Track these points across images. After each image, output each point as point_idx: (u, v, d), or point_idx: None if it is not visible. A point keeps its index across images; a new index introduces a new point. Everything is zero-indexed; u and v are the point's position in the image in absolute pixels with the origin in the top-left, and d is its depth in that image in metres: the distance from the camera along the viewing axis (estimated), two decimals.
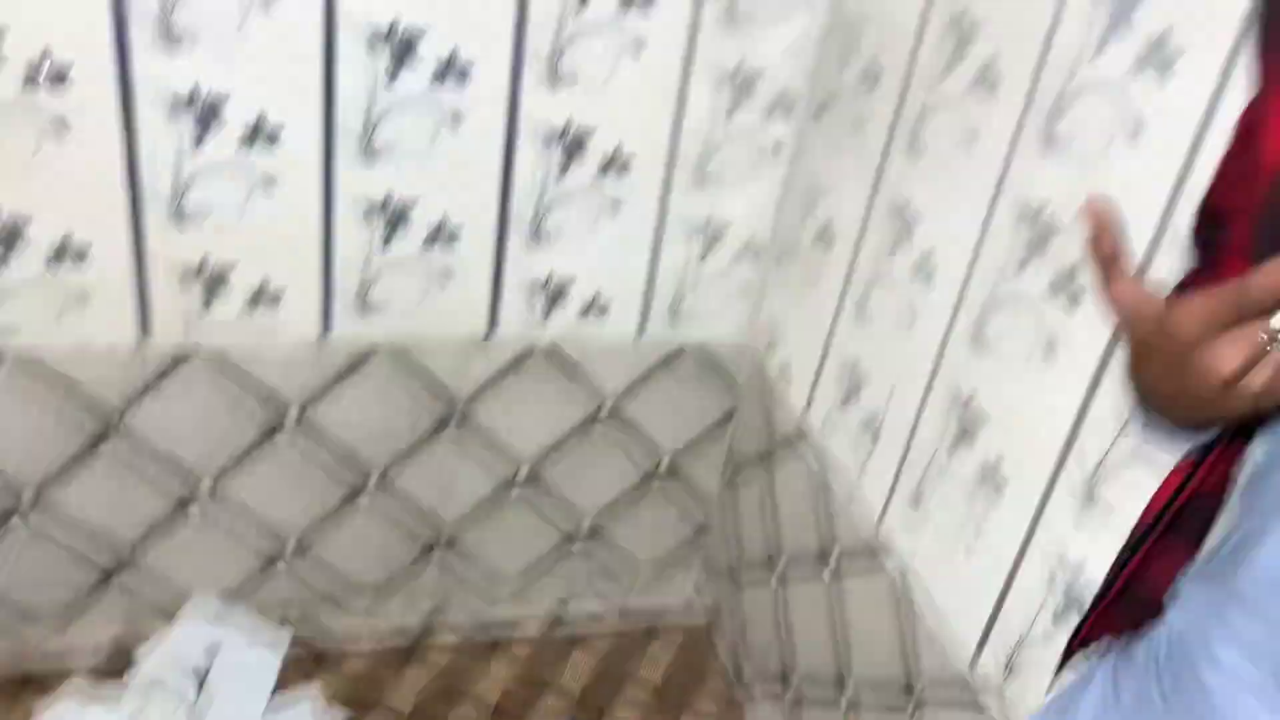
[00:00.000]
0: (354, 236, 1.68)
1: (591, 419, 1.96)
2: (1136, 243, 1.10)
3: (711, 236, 1.86)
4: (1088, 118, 1.19)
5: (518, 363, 1.86)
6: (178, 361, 1.71)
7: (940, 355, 1.45)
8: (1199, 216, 0.81)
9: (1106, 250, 0.67)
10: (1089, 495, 1.19)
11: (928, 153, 1.48)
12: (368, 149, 1.62)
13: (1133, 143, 1.13)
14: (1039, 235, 1.26)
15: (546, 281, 1.82)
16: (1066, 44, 1.22)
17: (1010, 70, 1.32)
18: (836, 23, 1.69)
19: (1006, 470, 1.33)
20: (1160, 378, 0.69)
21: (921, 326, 1.49)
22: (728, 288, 1.93)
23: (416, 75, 1.57)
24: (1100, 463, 1.17)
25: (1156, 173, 1.08)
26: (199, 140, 1.55)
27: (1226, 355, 0.62)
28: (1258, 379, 0.63)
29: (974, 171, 1.37)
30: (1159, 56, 1.09)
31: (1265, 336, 0.61)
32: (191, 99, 1.51)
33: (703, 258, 1.88)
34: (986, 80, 1.35)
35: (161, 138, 1.53)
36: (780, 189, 1.85)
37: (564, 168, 1.71)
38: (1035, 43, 1.26)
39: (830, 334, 1.73)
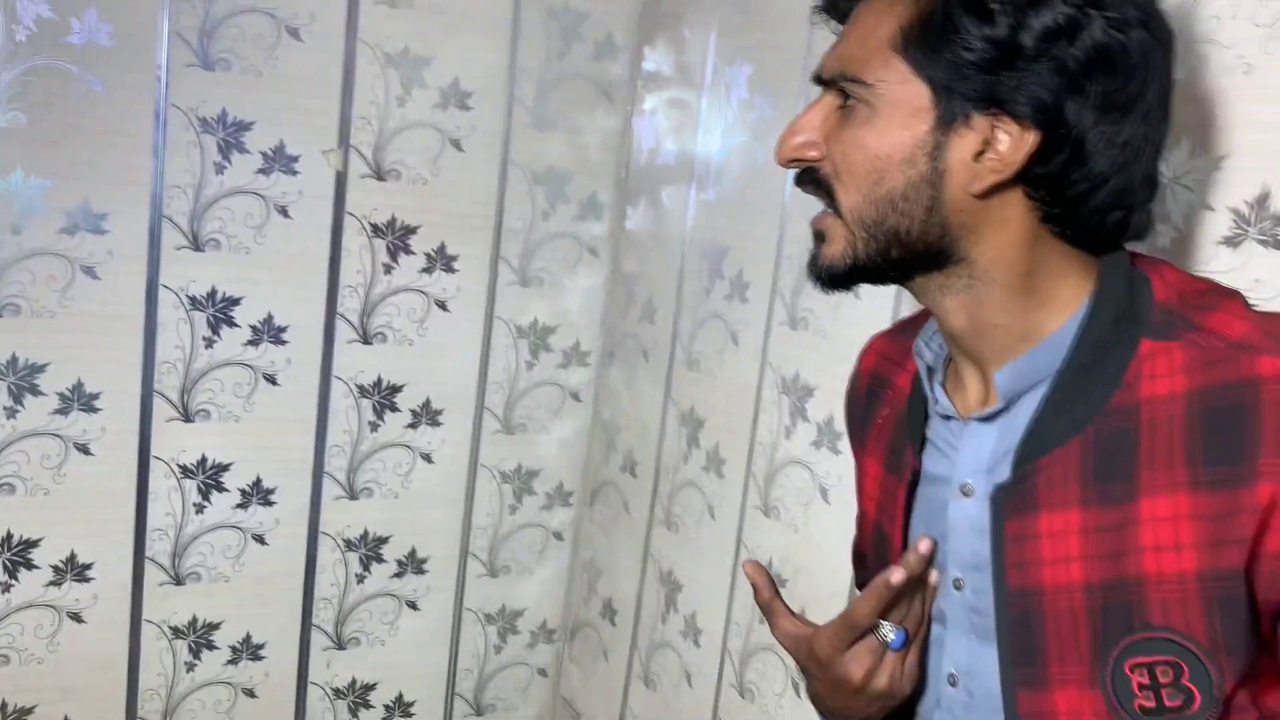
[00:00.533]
0: (156, 663, 1.74)
1: None
2: (836, 579, 1.33)
3: (506, 625, 2.01)
4: (789, 486, 1.47)
5: None
6: None
7: (715, 707, 1.61)
8: (854, 559, 1.06)
9: (764, 599, 0.89)
10: None
11: (681, 525, 1.72)
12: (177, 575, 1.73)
13: (824, 502, 1.40)
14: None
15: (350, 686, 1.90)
16: (767, 429, 1.52)
17: (731, 454, 1.60)
18: (596, 425, 1.98)
19: None
20: (824, 692, 0.89)
21: (697, 683, 1.66)
22: (527, 672, 2.05)
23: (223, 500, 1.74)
24: None
25: (843, 524, 1.35)
26: None
27: (853, 666, 0.83)
28: (881, 679, 0.83)
29: (717, 538, 1.62)
30: (829, 437, 1.40)
31: (879, 642, 0.83)
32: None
33: (498, 648, 2.01)
34: (714, 465, 1.64)
35: None
36: (566, 573, 2.04)
37: (360, 575, 1.86)
38: (745, 433, 1.56)
39: (624, 703, 1.86)
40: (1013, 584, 0.75)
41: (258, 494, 1.74)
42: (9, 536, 1.60)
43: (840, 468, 1.38)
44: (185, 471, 1.69)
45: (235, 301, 1.65)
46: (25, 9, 1.45)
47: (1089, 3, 0.68)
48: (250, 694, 1.81)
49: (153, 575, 1.70)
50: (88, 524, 1.64)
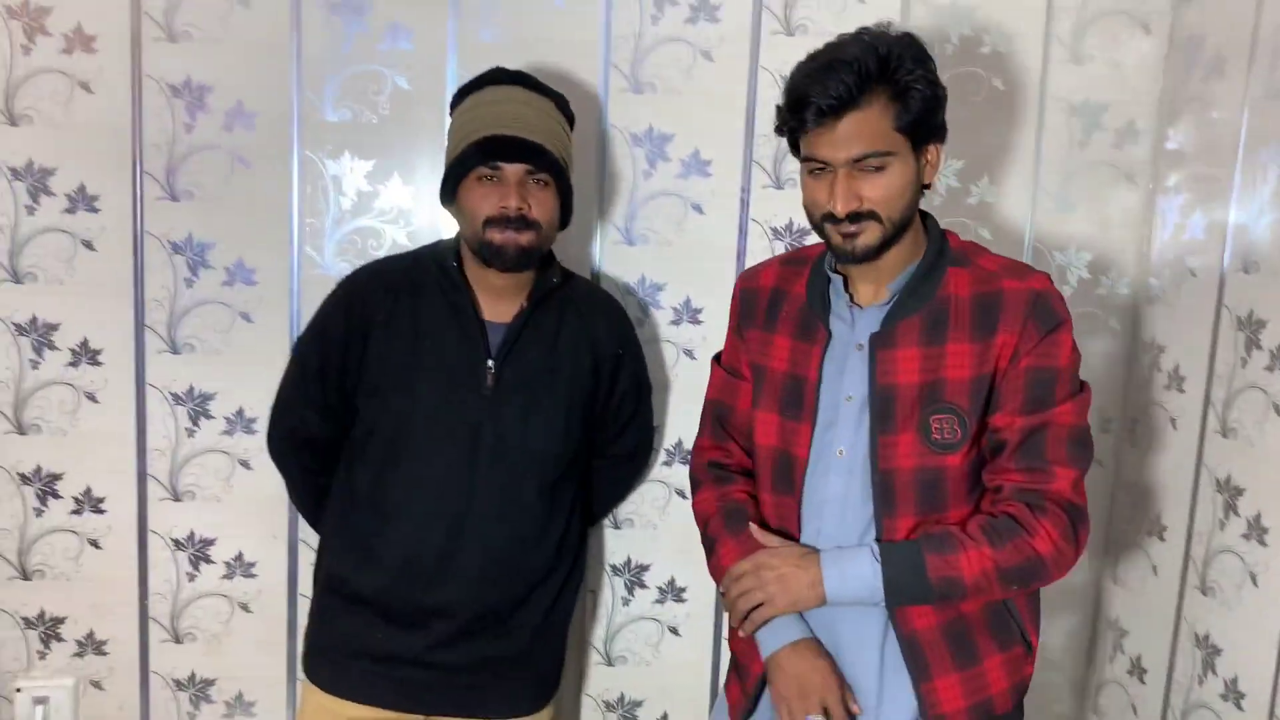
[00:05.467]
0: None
1: None
2: None
3: None
4: None
5: None
6: None
7: None
8: (714, 418, 1.66)
9: None
10: None
11: (1217, 591, 1.76)
12: None
13: None
14: None
15: None
16: None
17: (1275, 522, 1.63)
18: (1119, 486, 2.06)
19: None
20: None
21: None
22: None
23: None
24: None
25: None
26: None
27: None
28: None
29: (1260, 608, 1.65)
30: None
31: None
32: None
33: None
34: (1255, 532, 1.67)
35: None
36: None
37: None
38: None
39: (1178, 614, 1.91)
40: (881, 383, 1.43)
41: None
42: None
43: None
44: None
45: None
46: None
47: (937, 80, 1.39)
48: None
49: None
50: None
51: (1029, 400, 1.39)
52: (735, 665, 1.63)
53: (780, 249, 2.01)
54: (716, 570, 1.56)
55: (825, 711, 1.43)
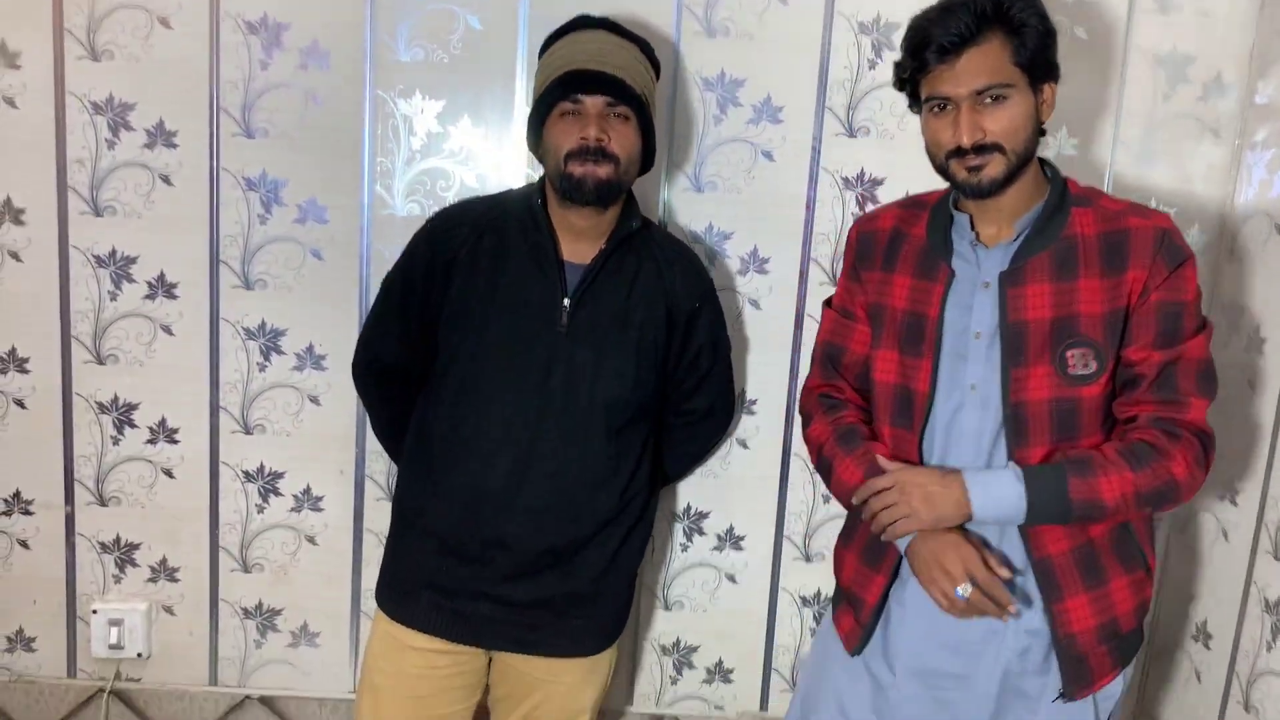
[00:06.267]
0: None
1: None
2: None
3: None
4: None
5: None
6: None
7: None
8: (824, 359, 1.72)
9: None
10: None
11: None
12: None
13: None
14: None
15: None
16: None
17: None
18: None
19: None
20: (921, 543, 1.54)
21: None
22: None
23: None
24: None
25: None
26: None
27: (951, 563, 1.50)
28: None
29: None
30: None
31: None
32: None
33: None
34: None
35: None
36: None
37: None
38: None
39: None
40: (1012, 320, 1.48)
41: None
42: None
43: None
44: None
45: None
46: None
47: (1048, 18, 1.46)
48: None
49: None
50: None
51: (1161, 334, 1.46)
52: (847, 598, 1.67)
53: (850, 200, 1.99)
54: (838, 488, 1.62)
55: (973, 580, 1.47)
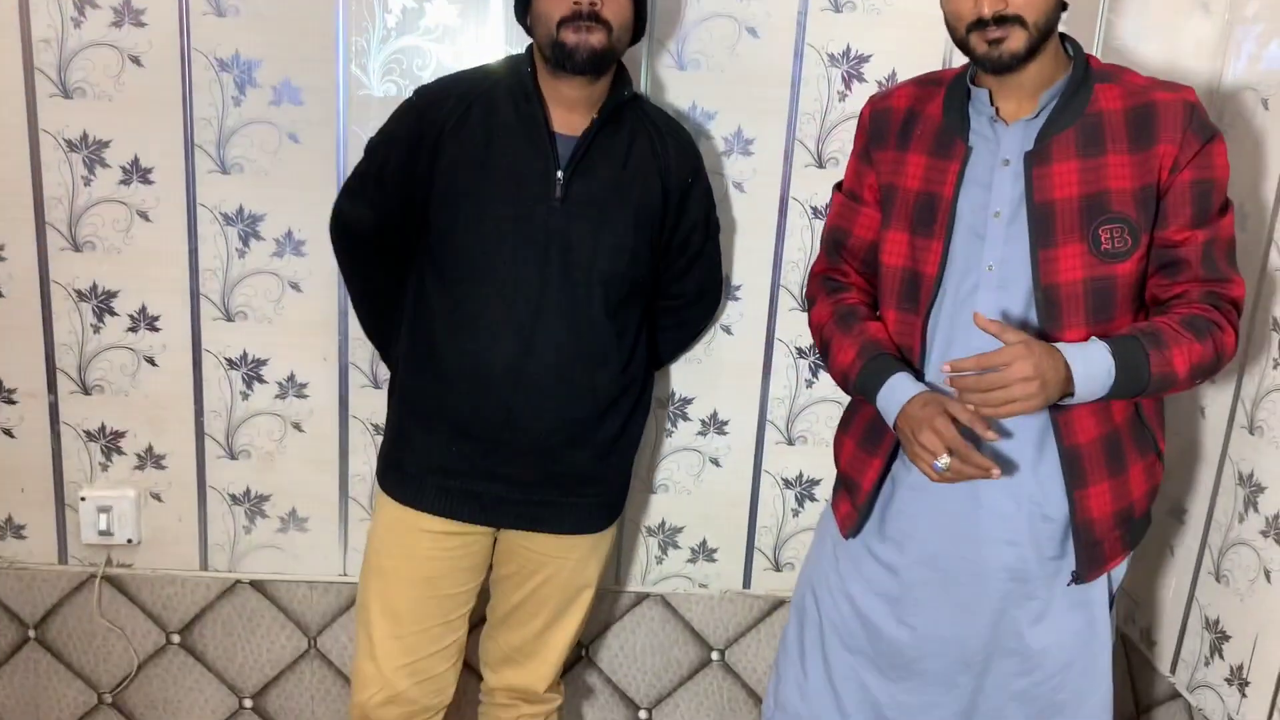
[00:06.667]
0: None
1: None
2: None
3: None
4: None
5: None
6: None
7: None
8: (831, 242, 1.71)
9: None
10: None
11: (1266, 430, 1.75)
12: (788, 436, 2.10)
13: None
14: None
15: None
16: None
17: None
18: None
19: None
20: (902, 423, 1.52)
21: (1276, 579, 1.70)
22: None
23: None
24: None
25: None
26: None
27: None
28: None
29: None
30: None
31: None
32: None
33: None
34: None
35: None
36: None
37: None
38: None
39: (1190, 597, 1.93)
40: (1039, 199, 1.46)
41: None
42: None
43: None
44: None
45: None
46: None
47: None
48: None
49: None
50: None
51: (1198, 213, 1.45)
52: (845, 484, 1.69)
53: (836, 77, 1.96)
54: (835, 370, 1.63)
55: (951, 451, 1.44)
